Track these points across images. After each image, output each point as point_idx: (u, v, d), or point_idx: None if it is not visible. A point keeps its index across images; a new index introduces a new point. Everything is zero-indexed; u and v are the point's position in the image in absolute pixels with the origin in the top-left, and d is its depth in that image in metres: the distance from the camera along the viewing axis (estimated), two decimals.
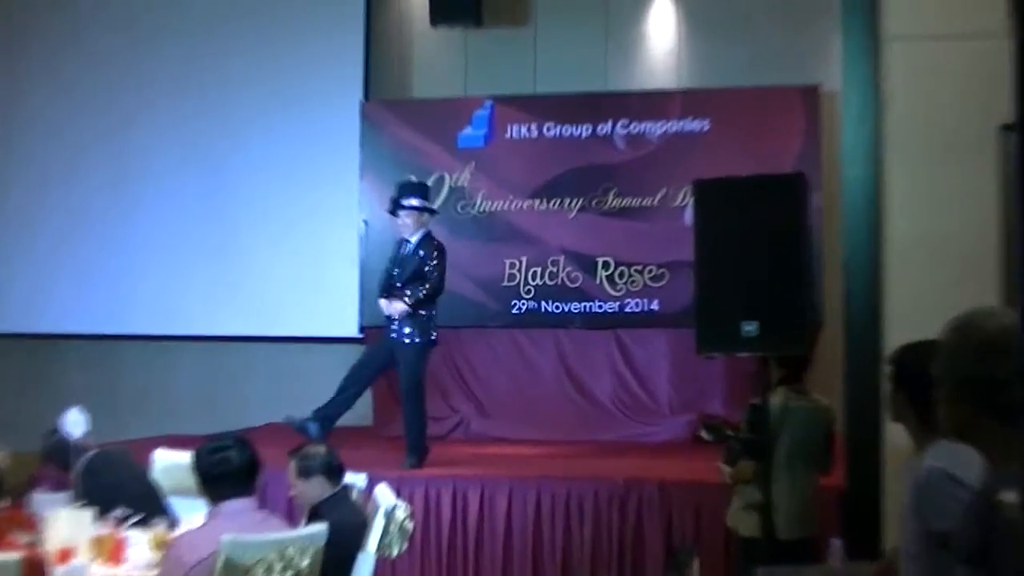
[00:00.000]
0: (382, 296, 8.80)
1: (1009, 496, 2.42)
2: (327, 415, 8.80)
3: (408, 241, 8.83)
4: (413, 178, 10.33)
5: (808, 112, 10.61)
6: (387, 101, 11.82)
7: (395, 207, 8.90)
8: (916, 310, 4.81)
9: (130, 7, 12.19)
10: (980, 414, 2.98)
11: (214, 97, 11.92)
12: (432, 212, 9.12)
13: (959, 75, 5.10)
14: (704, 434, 10.31)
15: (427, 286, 8.64)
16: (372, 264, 11.10)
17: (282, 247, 11.71)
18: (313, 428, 8.62)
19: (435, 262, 8.72)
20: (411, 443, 8.75)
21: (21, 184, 12.32)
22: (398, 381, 8.98)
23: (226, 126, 11.91)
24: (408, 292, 8.63)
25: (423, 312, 8.67)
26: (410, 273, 8.71)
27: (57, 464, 6.40)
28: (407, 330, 8.64)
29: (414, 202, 8.86)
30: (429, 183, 10.78)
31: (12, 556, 4.33)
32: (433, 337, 8.77)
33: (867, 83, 5.64)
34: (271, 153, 11.81)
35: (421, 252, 8.75)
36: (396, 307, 8.65)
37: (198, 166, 11.96)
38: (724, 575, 7.48)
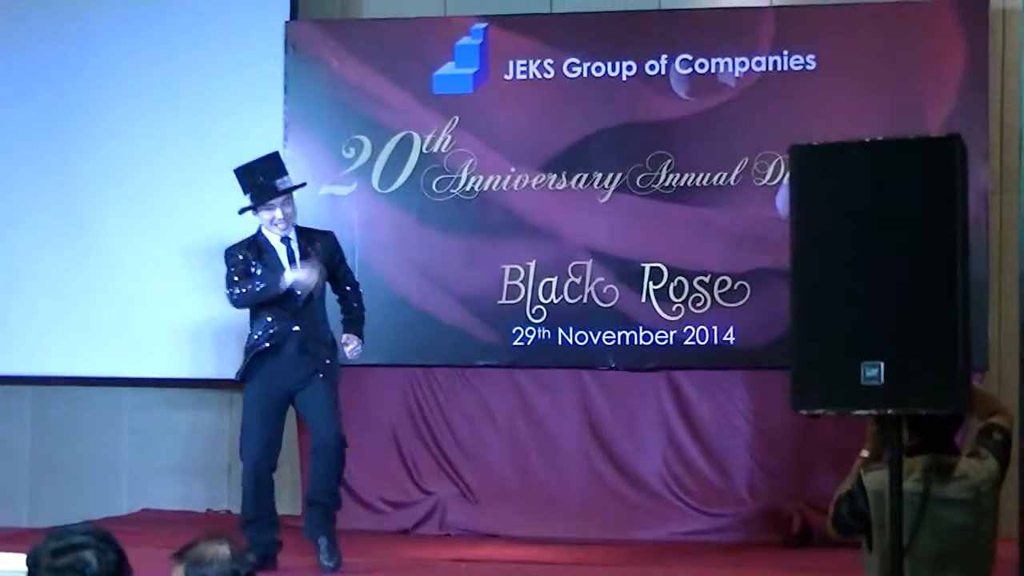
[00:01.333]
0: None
1: None
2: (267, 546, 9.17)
3: (287, 239, 9.42)
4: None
5: (969, 41, 10.58)
6: (325, 22, 11.92)
7: (263, 196, 9.39)
8: None
9: None
10: None
11: (59, 24, 12.08)
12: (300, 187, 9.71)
13: None
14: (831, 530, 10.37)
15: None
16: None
17: (160, 245, 11.85)
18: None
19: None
20: (325, 518, 9.30)
21: None
22: (316, 427, 9.50)
23: (77, 63, 12.10)
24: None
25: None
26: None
27: None
28: (331, 357, 9.44)
29: (289, 180, 9.44)
30: (388, 149, 10.94)
31: None
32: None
33: None
34: (146, 103, 11.93)
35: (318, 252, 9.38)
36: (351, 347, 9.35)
37: (45, 118, 12.14)
38: None
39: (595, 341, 11.11)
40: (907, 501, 6.19)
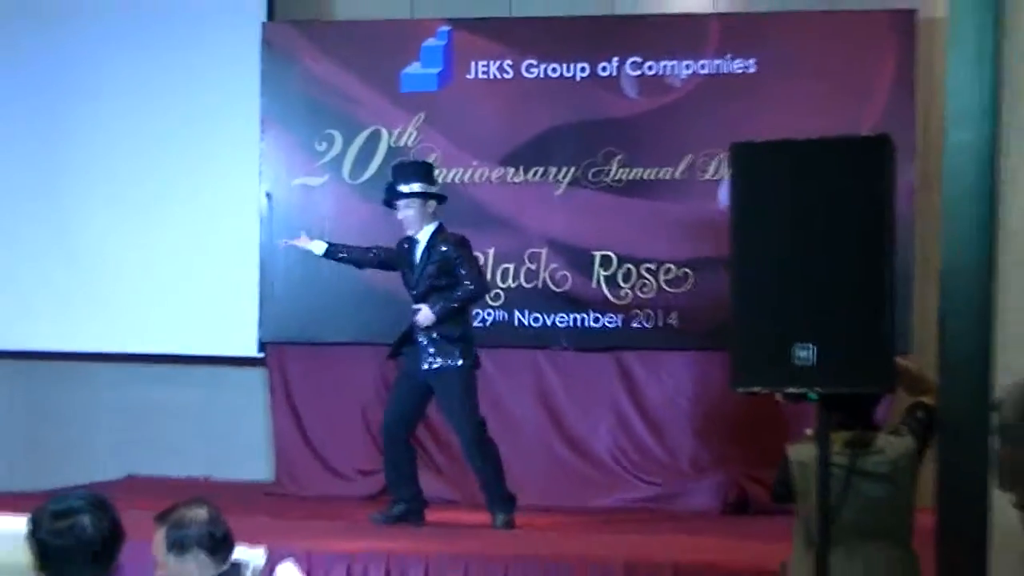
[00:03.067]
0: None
1: None
2: (408, 501, 9.57)
3: (415, 240, 9.48)
4: (434, 160, 10.77)
5: (899, 49, 10.69)
6: (300, 23, 11.87)
7: (391, 196, 9.52)
8: None
9: None
10: None
11: (49, 24, 12.04)
12: (440, 199, 9.68)
13: None
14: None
15: (459, 292, 9.40)
16: (277, 255, 11.19)
17: (145, 232, 11.84)
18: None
19: (459, 259, 9.39)
20: (495, 496, 9.50)
21: None
22: (448, 421, 9.78)
23: (68, 66, 12.04)
24: (438, 305, 9.35)
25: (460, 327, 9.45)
26: (427, 284, 9.42)
27: None
28: (444, 353, 9.36)
29: (415, 187, 9.45)
30: (358, 143, 11.10)
31: None
32: (476, 356, 9.58)
33: (984, 8, 5.68)
34: (133, 101, 11.90)
35: (437, 254, 9.45)
36: (423, 315, 9.32)
37: (30, 115, 12.10)
38: None
39: (549, 323, 11.19)
40: (835, 473, 6.28)
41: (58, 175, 12.00)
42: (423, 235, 9.49)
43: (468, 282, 9.39)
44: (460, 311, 9.46)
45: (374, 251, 9.76)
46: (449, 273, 9.41)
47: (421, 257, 9.48)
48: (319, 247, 9.80)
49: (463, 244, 9.51)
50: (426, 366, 9.36)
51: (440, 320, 9.27)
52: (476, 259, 9.77)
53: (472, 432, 9.44)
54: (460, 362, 9.39)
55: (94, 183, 11.93)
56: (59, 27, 12.02)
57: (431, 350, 9.35)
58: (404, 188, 9.48)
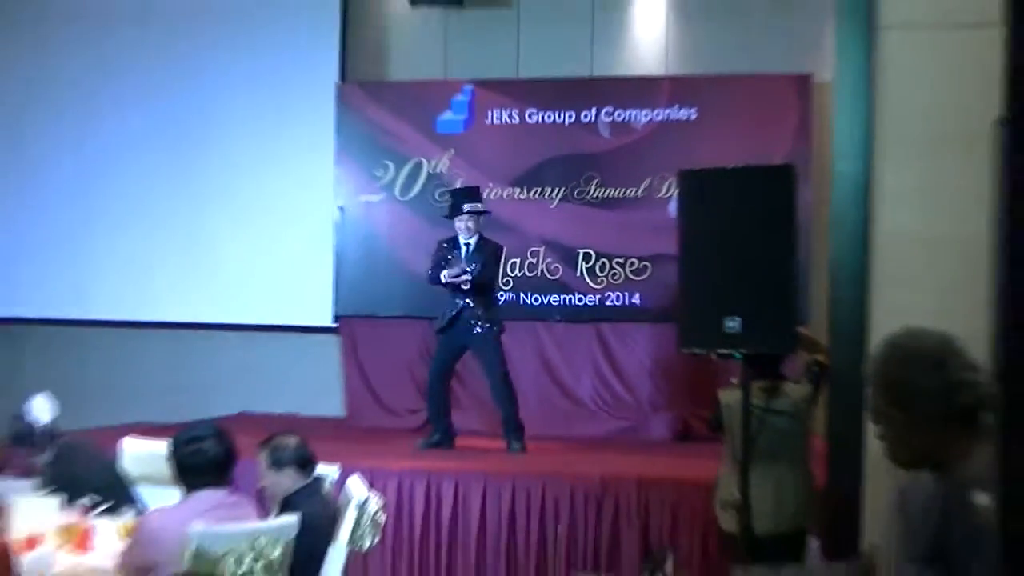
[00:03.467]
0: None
1: (982, 499, 2.53)
2: (443, 432, 9.63)
3: (467, 244, 9.48)
4: (460, 183, 10.80)
5: (800, 103, 10.66)
6: (364, 83, 11.83)
7: (454, 211, 9.53)
8: (903, 310, 4.91)
9: None
10: (941, 422, 3.14)
11: (184, 81, 11.98)
12: (486, 213, 9.73)
13: (957, 66, 5.12)
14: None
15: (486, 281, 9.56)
16: (348, 252, 11.25)
17: (254, 233, 11.80)
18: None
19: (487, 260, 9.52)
20: (512, 427, 9.53)
21: None
22: (485, 372, 9.68)
23: (197, 110, 11.96)
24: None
25: (491, 305, 9.63)
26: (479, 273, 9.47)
27: (23, 450, 6.47)
28: (485, 323, 9.48)
29: (477, 206, 9.56)
30: (406, 170, 11.18)
31: None
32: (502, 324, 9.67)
33: (860, 73, 5.64)
34: (244, 137, 11.87)
35: (480, 255, 9.49)
36: (454, 272, 9.44)
37: (167, 150, 12.01)
38: (701, 573, 7.62)
39: (545, 303, 11.19)
40: (754, 412, 6.31)
41: (188, 186, 11.95)
42: (472, 239, 9.52)
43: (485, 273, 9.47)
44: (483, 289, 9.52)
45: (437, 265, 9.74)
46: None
47: (469, 255, 9.49)
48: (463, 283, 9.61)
49: (494, 251, 9.63)
50: (476, 332, 9.44)
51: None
52: (498, 262, 9.76)
53: (501, 377, 9.47)
54: (494, 328, 9.47)
55: (215, 193, 11.90)
56: (195, 79, 12.00)
57: (477, 321, 9.44)
58: (468, 207, 9.50)
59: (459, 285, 9.41)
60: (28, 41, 12.31)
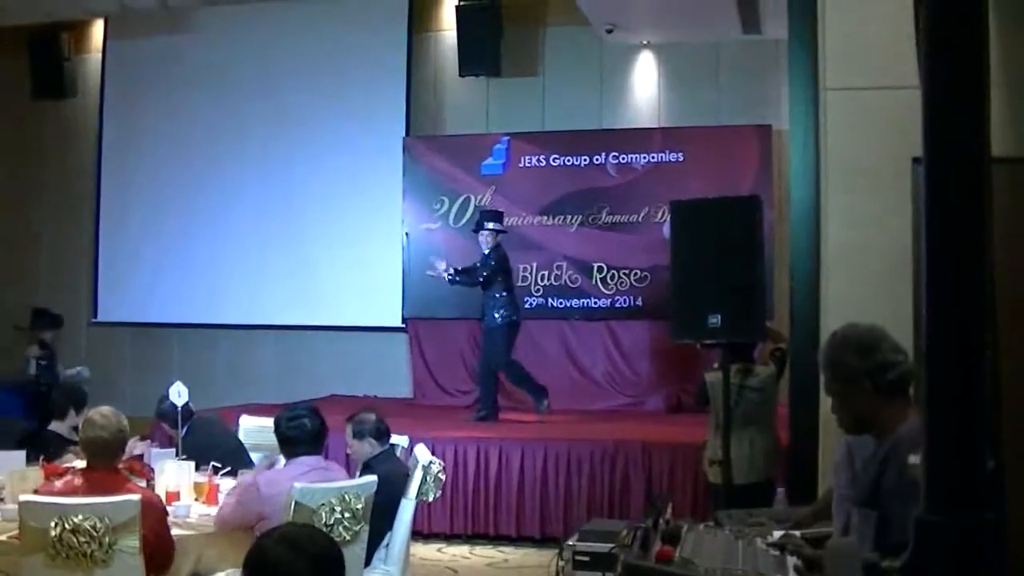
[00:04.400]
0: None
1: (912, 458, 2.53)
2: (538, 392, 9.64)
3: (485, 252, 9.54)
4: (487, 206, 10.87)
5: (762, 146, 10.61)
6: (424, 136, 11.83)
7: (478, 227, 9.63)
8: (847, 306, 4.89)
9: (216, 70, 12.27)
10: (874, 394, 3.14)
11: (292, 137, 12.00)
12: (503, 232, 9.76)
13: (882, 118, 5.14)
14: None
15: (481, 275, 9.51)
16: (412, 268, 11.24)
17: (342, 254, 11.80)
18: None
19: (490, 263, 9.49)
20: (533, 390, 9.62)
21: (139, 206, 12.52)
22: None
23: (301, 161, 11.98)
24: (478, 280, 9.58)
25: (497, 302, 9.52)
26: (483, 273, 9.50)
27: (166, 424, 6.56)
28: (490, 314, 9.52)
29: (490, 225, 9.59)
30: (457, 204, 11.12)
31: (133, 496, 4.46)
32: (514, 319, 9.58)
33: (809, 124, 5.69)
34: (336, 182, 11.88)
35: (487, 260, 9.52)
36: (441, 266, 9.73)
37: (278, 191, 12.06)
38: (694, 514, 7.60)
39: (567, 305, 11.15)
40: (732, 387, 6.30)
41: (293, 220, 11.96)
42: (488, 249, 9.56)
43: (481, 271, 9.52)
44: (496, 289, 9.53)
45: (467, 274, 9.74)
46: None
47: (484, 259, 9.55)
48: (446, 275, 9.74)
49: (496, 256, 9.56)
50: (482, 322, 9.68)
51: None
52: (497, 266, 9.54)
53: (482, 364, 9.73)
54: (497, 320, 9.49)
55: (312, 224, 11.88)
56: (300, 136, 12.01)
57: (484, 314, 9.61)
58: (491, 225, 9.57)
59: (449, 280, 9.64)
60: (168, 102, 12.43)
